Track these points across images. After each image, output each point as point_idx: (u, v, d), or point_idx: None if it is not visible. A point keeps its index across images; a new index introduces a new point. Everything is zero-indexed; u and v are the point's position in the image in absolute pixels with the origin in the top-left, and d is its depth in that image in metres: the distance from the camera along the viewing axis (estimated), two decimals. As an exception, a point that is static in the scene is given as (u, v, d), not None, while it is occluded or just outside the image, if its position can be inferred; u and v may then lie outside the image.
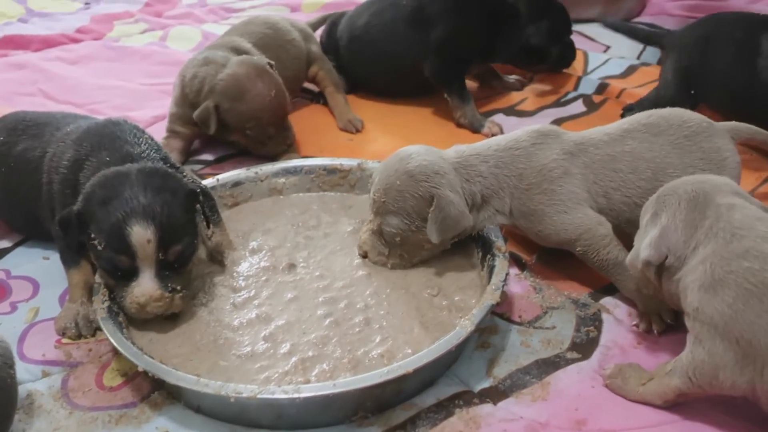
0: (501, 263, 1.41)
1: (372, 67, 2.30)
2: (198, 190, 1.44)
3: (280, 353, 1.31)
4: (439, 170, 1.43)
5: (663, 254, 1.21)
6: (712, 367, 1.13)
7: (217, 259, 1.55)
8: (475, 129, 2.12)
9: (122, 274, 1.35)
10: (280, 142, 1.98)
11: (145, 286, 1.33)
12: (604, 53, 2.57)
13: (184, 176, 1.51)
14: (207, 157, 2.07)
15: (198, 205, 1.44)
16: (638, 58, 2.54)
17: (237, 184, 1.74)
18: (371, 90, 2.37)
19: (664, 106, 1.59)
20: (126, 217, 1.31)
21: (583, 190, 1.44)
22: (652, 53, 2.54)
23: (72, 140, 1.53)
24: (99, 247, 1.33)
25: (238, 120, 1.92)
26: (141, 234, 1.31)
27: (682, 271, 1.20)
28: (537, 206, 1.44)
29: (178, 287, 1.36)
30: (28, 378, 1.35)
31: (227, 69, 1.93)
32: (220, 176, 1.75)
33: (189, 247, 1.39)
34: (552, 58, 2.33)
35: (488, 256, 1.45)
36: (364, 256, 1.52)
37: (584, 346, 1.37)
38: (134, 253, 1.32)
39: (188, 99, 1.99)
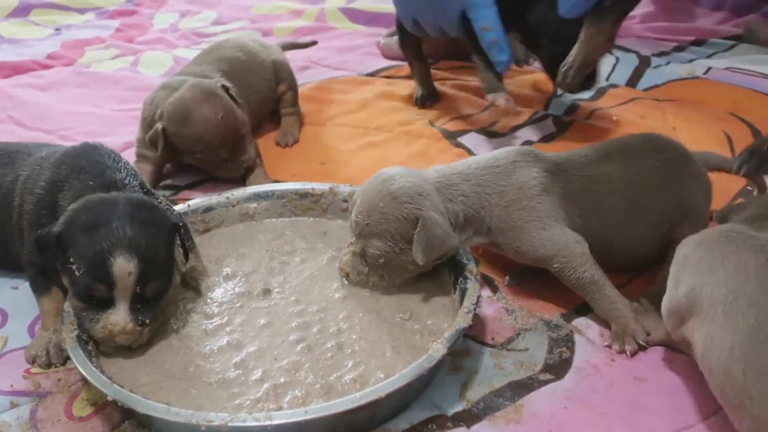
0: (473, 286, 1.41)
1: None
2: (180, 224, 1.44)
3: (251, 380, 1.30)
4: (422, 191, 1.43)
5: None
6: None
7: (192, 285, 1.55)
8: (487, 92, 2.16)
9: (97, 302, 1.34)
10: (236, 166, 1.97)
11: (118, 317, 1.33)
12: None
13: (161, 204, 1.50)
14: (178, 182, 2.06)
15: (177, 237, 1.44)
16: (607, 79, 2.56)
17: (208, 209, 1.73)
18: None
19: None
20: (111, 248, 1.31)
21: (561, 209, 1.46)
22: (622, 74, 2.58)
23: (50, 163, 1.52)
24: (77, 273, 1.32)
25: (185, 143, 1.92)
26: (123, 266, 1.31)
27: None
28: (516, 222, 1.45)
29: (148, 320, 1.36)
30: (-4, 409, 1.33)
31: (177, 93, 1.94)
32: (191, 202, 1.74)
33: (165, 284, 1.40)
34: (542, 55, 2.13)
35: (460, 279, 1.45)
36: (346, 277, 1.53)
37: (557, 368, 1.37)
38: (113, 283, 1.32)
39: (146, 122, 2.01)
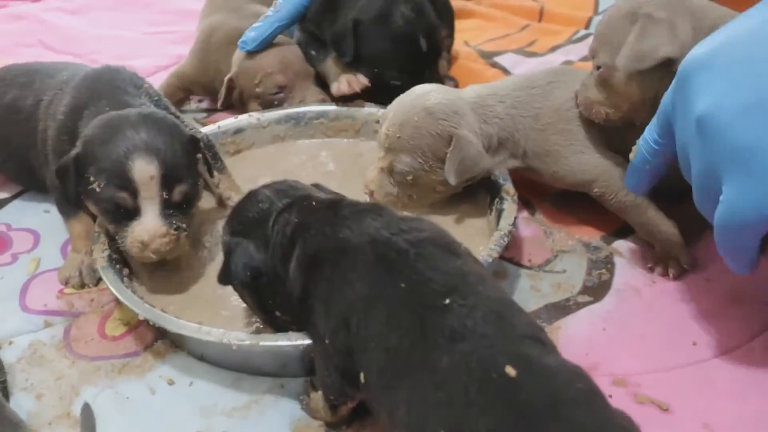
0: (510, 207, 1.37)
1: None
2: (199, 137, 1.40)
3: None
4: (458, 110, 1.38)
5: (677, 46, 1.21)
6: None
7: (228, 205, 1.53)
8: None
9: (124, 213, 1.29)
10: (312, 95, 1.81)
11: (149, 223, 1.27)
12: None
13: (185, 124, 1.47)
14: (208, 105, 2.03)
15: (200, 153, 1.40)
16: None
17: (239, 131, 1.70)
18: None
19: None
20: (128, 153, 1.26)
21: (600, 131, 1.39)
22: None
23: (70, 87, 1.48)
24: (98, 189, 1.28)
25: (246, 78, 1.79)
26: (144, 169, 1.26)
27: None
28: (552, 147, 1.39)
29: (184, 225, 1.32)
30: (30, 328, 1.33)
31: None
32: (221, 123, 1.71)
33: (193, 189, 1.34)
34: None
35: (496, 199, 1.41)
36: (370, 195, 1.47)
37: (596, 290, 1.33)
38: (136, 189, 1.27)
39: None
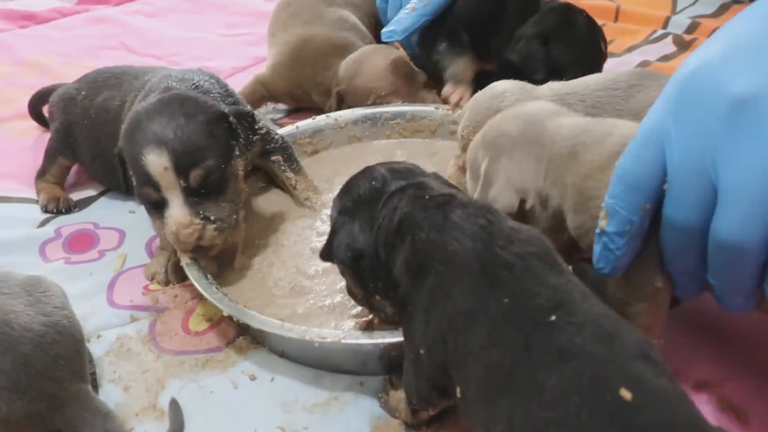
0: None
1: None
2: (226, 111, 1.36)
3: (356, 306, 1.29)
4: None
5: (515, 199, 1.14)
6: None
7: (306, 205, 1.56)
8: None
9: (156, 206, 1.32)
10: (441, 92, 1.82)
11: (174, 214, 1.29)
12: (693, -9, 2.45)
13: (258, 124, 1.50)
14: (286, 105, 2.05)
15: (232, 127, 1.37)
16: (730, -6, 2.40)
17: (317, 131, 1.73)
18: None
19: None
20: (142, 148, 1.28)
21: None
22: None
23: (148, 89, 1.52)
24: (135, 183, 1.32)
25: (357, 97, 1.82)
26: (156, 162, 1.27)
27: (548, 209, 1.14)
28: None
29: (212, 216, 1.31)
30: (117, 322, 1.37)
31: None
32: (299, 123, 1.74)
33: (214, 171, 1.31)
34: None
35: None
36: None
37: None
38: (156, 183, 1.29)
39: None
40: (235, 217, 1.36)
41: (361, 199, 1.08)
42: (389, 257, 1.02)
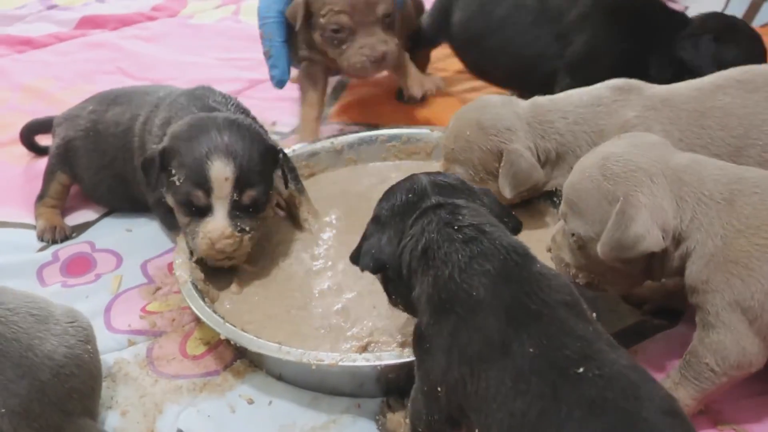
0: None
1: (495, 61, 1.97)
2: (279, 148, 1.46)
3: (349, 325, 1.31)
4: (511, 126, 1.40)
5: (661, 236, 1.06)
6: (735, 343, 1.04)
7: (305, 227, 1.57)
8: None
9: (196, 210, 1.38)
10: (357, 52, 1.73)
11: (218, 223, 1.36)
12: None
13: (268, 137, 1.52)
14: (283, 129, 2.07)
15: (278, 164, 1.46)
16: (722, 16, 2.41)
17: (313, 154, 1.73)
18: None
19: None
20: (209, 153, 1.35)
21: None
22: (736, 9, 2.43)
23: (166, 103, 1.57)
24: (177, 183, 1.37)
25: (316, 4, 1.74)
26: (221, 170, 1.34)
27: (681, 247, 1.08)
28: None
29: (247, 228, 1.38)
30: (115, 347, 1.37)
31: None
32: (295, 146, 1.75)
33: (263, 195, 1.41)
34: None
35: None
36: None
37: (669, 313, 1.32)
38: (211, 188, 1.35)
39: None
40: (258, 233, 1.43)
41: (395, 209, 1.08)
42: (410, 281, 1.03)
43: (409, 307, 1.07)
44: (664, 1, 1.88)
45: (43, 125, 1.92)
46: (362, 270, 1.11)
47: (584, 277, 1.19)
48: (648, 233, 1.05)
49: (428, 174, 1.12)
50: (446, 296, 0.96)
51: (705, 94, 1.38)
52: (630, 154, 1.11)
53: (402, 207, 1.08)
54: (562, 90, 1.55)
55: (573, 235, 1.15)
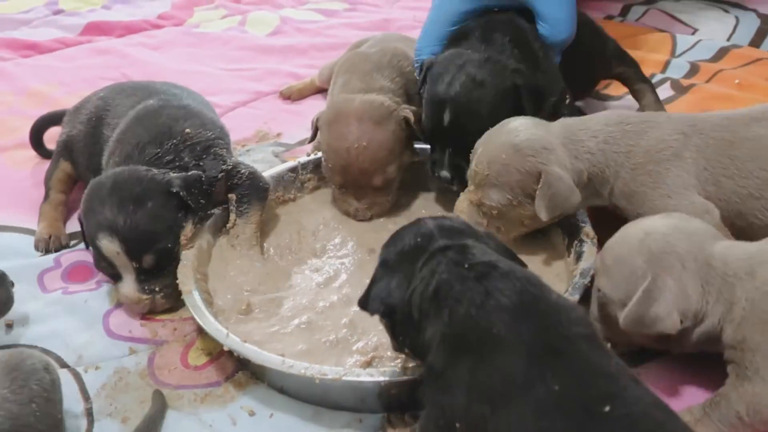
0: (590, 250, 1.37)
1: None
2: (174, 190, 1.42)
3: (355, 339, 1.31)
4: (547, 145, 1.36)
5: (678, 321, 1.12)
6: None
7: (234, 247, 1.53)
8: None
9: (111, 275, 1.44)
10: (345, 203, 1.64)
11: (125, 290, 1.42)
12: (692, 35, 2.47)
13: (227, 161, 1.55)
14: (288, 140, 2.06)
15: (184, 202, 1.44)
16: (728, 40, 2.43)
17: (318, 166, 1.72)
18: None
19: None
20: (97, 230, 1.39)
21: (692, 175, 1.34)
22: (744, 34, 2.44)
23: (136, 119, 1.59)
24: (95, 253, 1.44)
25: (321, 144, 1.66)
26: (108, 247, 1.39)
27: (704, 324, 1.14)
28: (640, 188, 1.36)
29: (157, 288, 1.41)
30: (116, 354, 1.37)
31: (345, 95, 1.68)
32: (301, 159, 1.74)
33: (163, 253, 1.42)
34: None
35: (575, 242, 1.41)
36: None
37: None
38: (111, 262, 1.40)
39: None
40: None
41: (403, 253, 1.09)
42: (421, 323, 1.02)
43: (417, 350, 1.06)
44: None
45: (56, 118, 1.95)
46: (371, 314, 1.11)
47: (601, 332, 1.21)
48: (667, 316, 1.11)
49: (434, 218, 1.13)
50: (463, 334, 0.95)
51: (736, 124, 1.37)
52: (671, 236, 1.15)
53: (410, 251, 1.08)
54: None
55: (599, 290, 1.21)
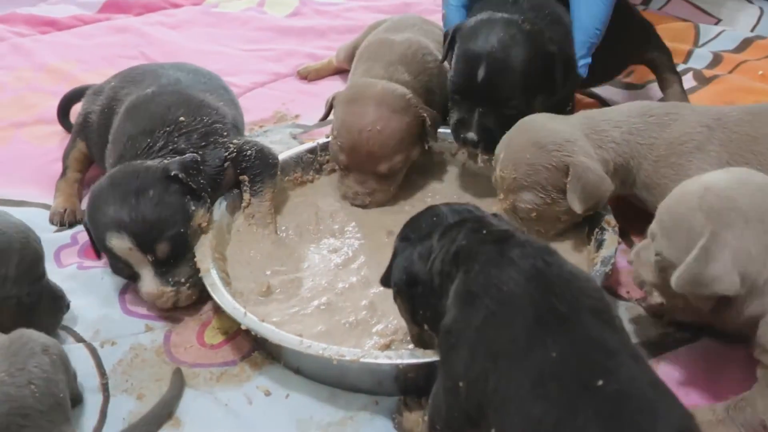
0: (611, 237, 1.36)
1: None
2: (173, 173, 1.40)
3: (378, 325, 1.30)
4: (570, 137, 1.35)
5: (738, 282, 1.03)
6: None
7: (249, 223, 1.53)
8: None
9: (130, 277, 1.41)
10: (348, 188, 1.62)
11: (147, 287, 1.37)
12: (715, 26, 2.45)
13: (228, 147, 1.53)
14: (306, 122, 2.05)
15: (187, 183, 1.42)
16: (752, 30, 2.40)
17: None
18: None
19: None
20: (104, 232, 1.36)
21: (714, 167, 1.31)
22: (767, 25, 2.42)
23: (125, 108, 1.59)
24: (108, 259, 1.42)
25: (334, 121, 1.65)
26: (120, 245, 1.35)
27: (763, 298, 1.04)
28: (662, 180, 1.35)
29: (182, 279, 1.38)
30: (132, 331, 1.37)
31: (366, 77, 1.69)
32: (319, 140, 1.73)
33: (176, 240, 1.38)
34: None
35: (596, 230, 1.40)
36: None
37: (693, 326, 1.30)
38: (126, 261, 1.37)
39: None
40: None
41: (421, 230, 1.10)
42: (443, 286, 1.02)
43: (436, 322, 1.05)
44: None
45: (83, 93, 1.92)
46: (394, 287, 1.12)
47: (657, 297, 1.21)
48: (726, 275, 1.02)
49: (445, 203, 1.15)
50: (476, 289, 0.96)
51: (760, 120, 1.35)
52: (732, 190, 1.07)
53: (428, 227, 1.10)
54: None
55: (657, 254, 1.12)
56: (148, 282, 1.36)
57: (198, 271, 1.37)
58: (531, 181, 1.36)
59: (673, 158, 1.35)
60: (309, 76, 2.30)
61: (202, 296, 1.40)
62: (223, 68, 2.33)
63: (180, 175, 1.40)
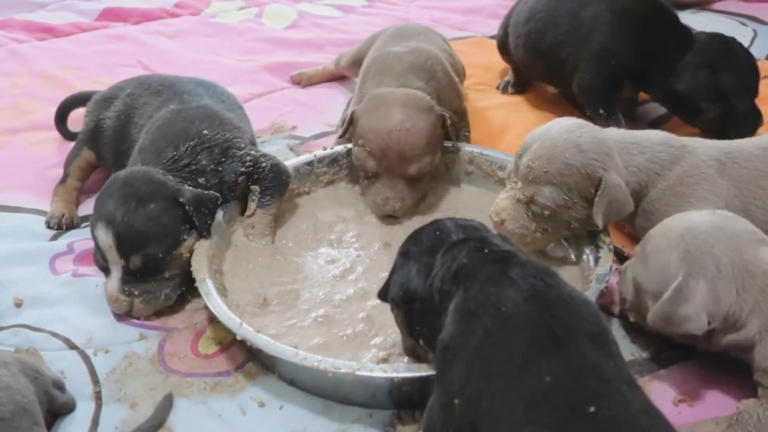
0: (606, 255, 1.37)
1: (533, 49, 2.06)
2: (182, 200, 1.41)
3: (376, 338, 1.31)
4: (609, 150, 1.35)
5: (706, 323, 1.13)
6: None
7: (248, 238, 1.53)
8: None
9: (104, 269, 1.43)
10: (377, 194, 1.61)
11: (109, 287, 1.40)
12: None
13: (246, 161, 1.54)
14: (303, 133, 2.06)
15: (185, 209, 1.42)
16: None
17: (334, 161, 1.72)
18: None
19: None
20: (96, 220, 1.39)
21: (722, 199, 1.35)
22: (761, 47, 2.44)
23: (156, 127, 1.58)
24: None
25: (358, 131, 1.64)
26: (103, 238, 1.38)
27: (738, 333, 1.14)
28: (663, 207, 1.37)
29: (137, 292, 1.39)
30: (126, 338, 1.37)
31: (386, 89, 1.69)
32: (317, 152, 1.74)
33: (152, 259, 1.39)
34: (706, 118, 1.83)
35: (591, 247, 1.41)
36: (501, 223, 1.41)
37: (686, 345, 1.30)
38: (104, 254, 1.39)
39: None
40: (166, 291, 1.42)
41: (423, 245, 1.11)
42: (442, 304, 1.03)
43: (432, 338, 1.05)
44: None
45: (82, 100, 1.93)
46: (391, 302, 1.13)
47: (633, 317, 1.28)
48: (696, 317, 1.12)
49: (449, 218, 1.16)
50: (475, 307, 0.96)
51: None
52: (711, 236, 1.16)
53: (430, 244, 1.11)
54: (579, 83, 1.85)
55: (634, 277, 1.23)
56: (112, 283, 1.40)
57: (156, 290, 1.40)
58: (561, 180, 1.34)
59: (678, 188, 1.37)
60: (302, 82, 2.33)
61: (177, 308, 1.44)
62: (220, 78, 2.33)
63: (187, 208, 1.41)
